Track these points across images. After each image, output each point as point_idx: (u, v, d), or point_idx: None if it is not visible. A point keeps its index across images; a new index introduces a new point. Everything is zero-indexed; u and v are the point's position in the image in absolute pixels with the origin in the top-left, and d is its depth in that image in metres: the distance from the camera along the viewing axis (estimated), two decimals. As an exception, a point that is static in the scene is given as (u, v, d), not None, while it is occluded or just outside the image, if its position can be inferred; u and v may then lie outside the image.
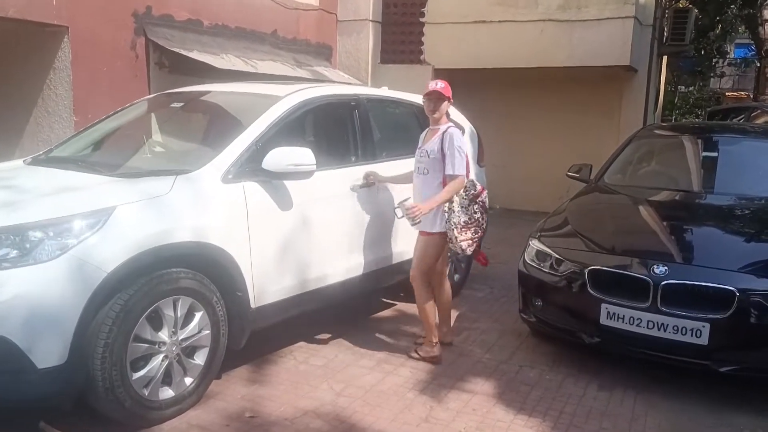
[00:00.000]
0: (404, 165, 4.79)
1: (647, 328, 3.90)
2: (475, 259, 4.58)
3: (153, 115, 4.85)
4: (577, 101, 10.63)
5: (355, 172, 4.63)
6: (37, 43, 6.32)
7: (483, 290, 6.19)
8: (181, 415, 3.50)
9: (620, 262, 4.19)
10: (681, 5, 11.34)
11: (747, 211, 4.96)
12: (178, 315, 3.42)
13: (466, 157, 4.31)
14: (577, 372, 4.32)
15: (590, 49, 9.23)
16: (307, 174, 3.96)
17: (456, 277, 5.73)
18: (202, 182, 3.63)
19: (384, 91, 5.52)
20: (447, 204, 4.21)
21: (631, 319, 3.95)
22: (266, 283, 3.91)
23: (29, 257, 2.95)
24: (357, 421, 3.58)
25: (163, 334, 3.36)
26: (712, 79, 24.14)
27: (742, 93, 24.26)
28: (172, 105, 4.86)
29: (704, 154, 5.69)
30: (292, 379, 4.06)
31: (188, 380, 3.53)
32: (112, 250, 3.10)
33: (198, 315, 3.52)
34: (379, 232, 4.78)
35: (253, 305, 3.83)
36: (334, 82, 8.60)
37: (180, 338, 3.44)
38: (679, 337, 3.83)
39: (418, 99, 4.79)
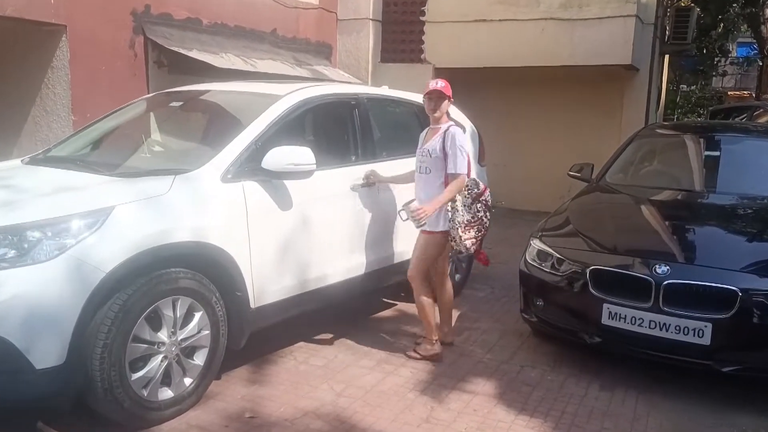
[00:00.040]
0: (405, 164, 4.78)
1: (649, 328, 3.89)
2: (477, 258, 4.57)
3: (152, 114, 4.83)
4: (578, 100, 10.61)
5: (356, 172, 4.61)
6: (35, 42, 6.31)
7: (484, 290, 6.17)
8: (180, 415, 3.48)
9: (622, 262, 4.17)
10: (683, 4, 11.34)
11: (749, 211, 4.95)
12: (178, 315, 3.40)
13: (468, 156, 4.31)
14: (578, 372, 4.30)
15: (591, 48, 9.21)
16: (307, 173, 3.94)
17: (457, 276, 5.71)
18: (202, 182, 3.62)
19: (384, 90, 5.50)
20: (450, 203, 4.21)
21: (633, 319, 3.93)
22: (266, 283, 3.89)
23: (27, 257, 2.93)
24: (357, 421, 3.56)
25: (163, 335, 3.35)
26: (714, 78, 24.12)
27: (745, 92, 24.23)
28: (171, 104, 4.84)
29: (706, 153, 5.67)
30: (292, 380, 4.04)
31: (188, 381, 3.52)
32: (110, 250, 3.09)
33: (197, 315, 3.51)
34: (380, 231, 4.77)
35: (252, 305, 3.81)
36: (334, 81, 8.58)
37: (179, 338, 3.43)
38: (681, 337, 3.81)
39: (418, 98, 4.78)
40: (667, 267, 3.93)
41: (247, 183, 3.80)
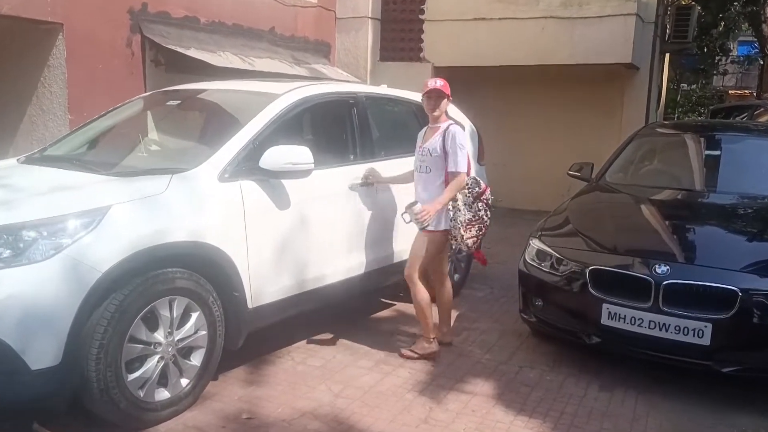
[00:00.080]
0: (403, 163, 4.76)
1: (649, 328, 3.87)
2: (475, 257, 4.56)
3: (149, 113, 4.82)
4: (578, 99, 10.60)
5: (354, 171, 4.60)
6: (32, 41, 6.28)
7: (483, 290, 6.16)
8: (177, 416, 3.46)
9: (621, 262, 4.15)
10: (683, 2, 11.32)
11: (750, 210, 4.94)
12: (174, 315, 3.38)
13: (468, 154, 4.31)
14: (577, 372, 4.29)
15: (592, 47, 9.20)
16: (305, 173, 3.93)
17: (456, 276, 5.69)
18: (199, 181, 3.60)
19: (383, 89, 5.49)
20: (451, 202, 4.22)
21: (633, 319, 3.92)
22: (263, 283, 3.87)
23: (23, 257, 2.92)
24: (355, 422, 3.55)
25: (159, 335, 3.33)
26: (714, 77, 24.13)
27: (746, 91, 24.23)
28: (168, 103, 4.82)
29: (707, 152, 5.65)
30: (290, 380, 4.03)
31: (184, 381, 3.50)
32: (106, 249, 3.07)
33: (194, 315, 3.49)
34: (379, 231, 4.75)
35: (250, 305, 3.80)
36: (332, 79, 8.57)
37: (176, 339, 3.41)
38: (680, 338, 3.80)
39: (417, 97, 4.76)
40: (667, 267, 3.92)
41: (245, 182, 3.78)
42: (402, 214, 4.35)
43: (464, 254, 5.68)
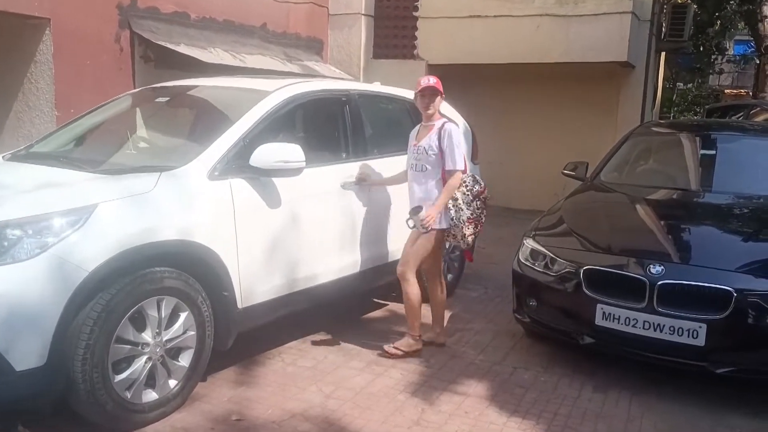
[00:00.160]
0: (396, 162, 4.74)
1: (643, 328, 3.86)
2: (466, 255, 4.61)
3: (137, 109, 4.77)
4: (573, 98, 10.58)
5: (346, 169, 4.57)
6: (18, 36, 6.20)
7: (477, 290, 6.13)
8: (165, 418, 3.43)
9: (616, 262, 4.14)
10: (679, 1, 11.26)
11: (745, 210, 4.93)
12: (162, 315, 3.35)
13: (463, 152, 4.32)
14: (571, 373, 4.27)
15: (587, 45, 9.18)
16: (296, 171, 3.90)
17: (449, 276, 5.65)
18: (188, 179, 3.56)
19: (376, 87, 5.46)
20: (451, 201, 4.24)
21: (627, 319, 3.90)
22: (254, 283, 3.84)
23: (7, 256, 2.87)
24: (346, 424, 3.52)
25: (147, 335, 3.29)
26: (710, 76, 24.18)
27: (742, 90, 24.27)
28: (158, 99, 4.78)
29: (702, 152, 5.63)
30: (280, 381, 3.99)
31: (172, 382, 3.46)
32: (93, 248, 3.03)
33: (183, 315, 3.45)
34: (372, 229, 4.72)
35: (240, 305, 3.76)
36: (324, 77, 8.53)
37: (164, 339, 3.37)
38: (675, 338, 3.78)
39: (410, 95, 4.74)
40: (662, 267, 3.90)
41: (235, 180, 3.75)
42: (407, 221, 4.33)
43: (457, 254, 5.66)
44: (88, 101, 5.52)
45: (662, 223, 4.68)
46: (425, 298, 4.57)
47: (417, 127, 4.50)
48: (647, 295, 3.85)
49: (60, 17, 6.15)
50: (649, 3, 9.91)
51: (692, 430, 3.61)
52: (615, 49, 9.13)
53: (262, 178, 3.86)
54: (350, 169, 4.59)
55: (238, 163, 3.77)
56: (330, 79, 7.52)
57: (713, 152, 5.54)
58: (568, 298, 4.20)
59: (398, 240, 4.64)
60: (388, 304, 5.56)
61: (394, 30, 10.26)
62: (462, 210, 4.26)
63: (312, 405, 3.70)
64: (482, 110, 9.72)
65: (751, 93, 19.87)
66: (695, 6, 13.32)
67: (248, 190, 3.81)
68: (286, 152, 3.80)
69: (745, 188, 5.04)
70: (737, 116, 10.14)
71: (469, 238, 4.33)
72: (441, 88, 4.31)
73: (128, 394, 3.23)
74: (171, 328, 3.40)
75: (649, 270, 3.90)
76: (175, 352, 3.46)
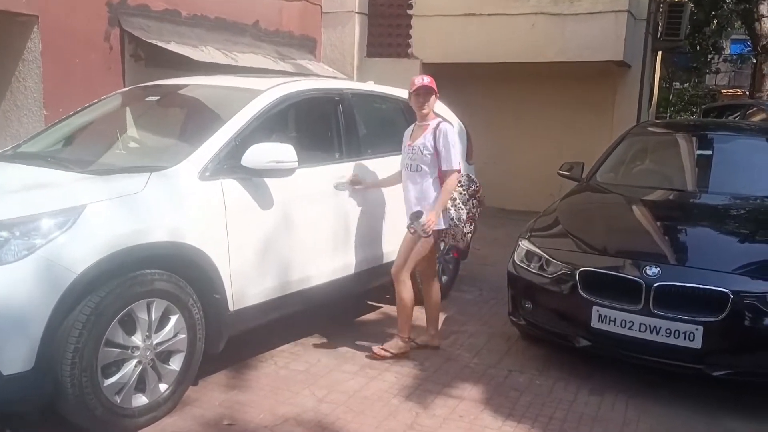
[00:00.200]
0: (390, 162, 4.72)
1: (639, 331, 3.84)
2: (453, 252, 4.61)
3: (127, 109, 4.73)
4: (569, 97, 10.57)
5: (340, 170, 4.54)
6: (6, 33, 6.13)
7: (472, 292, 6.11)
8: (155, 423, 3.39)
9: (612, 264, 4.12)
10: (676, -1, 11.27)
11: (742, 211, 4.92)
12: (153, 318, 3.31)
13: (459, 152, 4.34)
14: (567, 376, 4.25)
15: (583, 44, 9.18)
16: (289, 171, 3.87)
17: (444, 278, 5.61)
18: (178, 179, 3.53)
19: (370, 86, 5.43)
20: (450, 201, 4.25)
21: (623, 321, 3.88)
22: (245, 285, 3.80)
23: (-6, 258, 2.83)
24: (340, 428, 3.49)
25: (137, 339, 3.25)
26: (707, 76, 24.22)
27: (738, 90, 24.32)
28: (148, 99, 4.75)
29: (699, 152, 5.65)
30: (273, 385, 3.95)
31: (163, 386, 3.43)
32: (82, 250, 3.00)
33: (173, 318, 3.42)
34: (366, 231, 4.69)
35: (231, 308, 3.73)
36: (318, 76, 8.48)
37: (154, 343, 3.34)
38: (671, 341, 3.76)
39: (404, 94, 4.71)
40: (658, 269, 3.89)
41: (226, 181, 3.71)
42: (408, 227, 4.29)
43: (452, 255, 5.63)
44: (77, 100, 5.44)
45: (658, 224, 4.66)
46: (419, 301, 4.55)
47: (411, 127, 4.48)
48: (643, 297, 3.82)
49: (48, 14, 6.08)
50: (645, 2, 9.93)
51: (689, 434, 3.61)
52: (611, 48, 9.12)
53: (254, 178, 3.83)
54: (343, 169, 4.56)
55: (229, 163, 3.74)
56: (323, 78, 7.48)
57: (710, 153, 5.54)
58: (563, 300, 4.18)
59: (393, 241, 4.60)
60: (382, 307, 5.53)
61: (388, 28, 10.22)
62: (461, 209, 4.27)
63: (305, 409, 3.66)
64: (476, 110, 9.69)
65: (748, 93, 19.90)
66: (692, 5, 13.32)
67: (240, 191, 3.78)
68: (278, 152, 3.77)
69: (741, 189, 5.03)
70: (734, 116, 10.15)
71: (468, 236, 4.34)
72: (435, 87, 4.29)
73: (118, 399, 3.19)
74: (161, 332, 3.37)
75: (645, 272, 3.88)
76: (165, 356, 3.43)
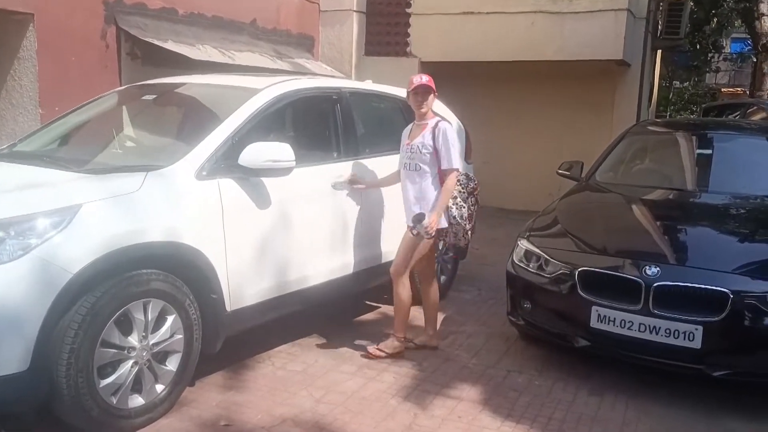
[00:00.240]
0: (389, 161, 4.69)
1: (639, 331, 3.82)
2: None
3: (124, 108, 4.71)
4: (568, 96, 10.55)
5: (337, 169, 4.52)
6: (1, 32, 6.10)
7: (470, 292, 6.09)
8: (152, 423, 3.38)
9: (611, 263, 4.10)
10: (675, -2, 11.25)
11: (742, 211, 4.91)
12: (149, 319, 3.30)
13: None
14: (566, 377, 4.23)
15: (582, 43, 9.16)
16: (286, 170, 3.85)
17: (442, 278, 5.60)
18: (175, 179, 3.51)
19: (368, 85, 5.41)
20: (451, 200, 4.24)
21: (623, 321, 3.87)
22: (243, 285, 3.79)
23: (-11, 257, 2.81)
24: (337, 429, 3.48)
25: (133, 339, 3.24)
26: (707, 75, 24.20)
27: (738, 89, 24.28)
28: (144, 97, 4.74)
29: (699, 151, 5.63)
30: (270, 386, 3.94)
31: (159, 387, 3.41)
32: (77, 250, 2.99)
33: (170, 318, 3.40)
34: (364, 230, 4.67)
35: (228, 308, 3.71)
36: (315, 74, 8.45)
37: (151, 343, 3.32)
38: (671, 341, 3.75)
39: (403, 93, 4.69)
40: (658, 268, 3.87)
41: (223, 180, 3.70)
42: (410, 229, 4.28)
43: (450, 255, 5.61)
44: (73, 99, 5.41)
45: (658, 223, 4.65)
46: (418, 301, 4.53)
47: (410, 126, 4.47)
48: (643, 297, 3.81)
49: (44, 13, 6.06)
50: (645, 0, 9.88)
51: (689, 434, 3.60)
52: (610, 46, 9.11)
53: (252, 177, 3.81)
54: (341, 168, 4.54)
55: (226, 162, 3.72)
56: (321, 77, 7.46)
57: (710, 152, 5.53)
58: (562, 300, 4.16)
59: (391, 240, 4.59)
60: (380, 307, 5.51)
61: (386, 27, 10.20)
62: (463, 207, 4.27)
63: (302, 410, 3.65)
64: (475, 109, 9.67)
65: (748, 91, 19.87)
66: (692, 3, 13.31)
67: (237, 190, 3.76)
68: (275, 151, 3.76)
69: (742, 188, 5.01)
70: (734, 115, 10.12)
71: (469, 234, 4.35)
72: (434, 86, 4.28)
73: (114, 400, 3.18)
74: (158, 332, 3.35)
75: (645, 271, 3.87)
76: (162, 356, 3.41)
